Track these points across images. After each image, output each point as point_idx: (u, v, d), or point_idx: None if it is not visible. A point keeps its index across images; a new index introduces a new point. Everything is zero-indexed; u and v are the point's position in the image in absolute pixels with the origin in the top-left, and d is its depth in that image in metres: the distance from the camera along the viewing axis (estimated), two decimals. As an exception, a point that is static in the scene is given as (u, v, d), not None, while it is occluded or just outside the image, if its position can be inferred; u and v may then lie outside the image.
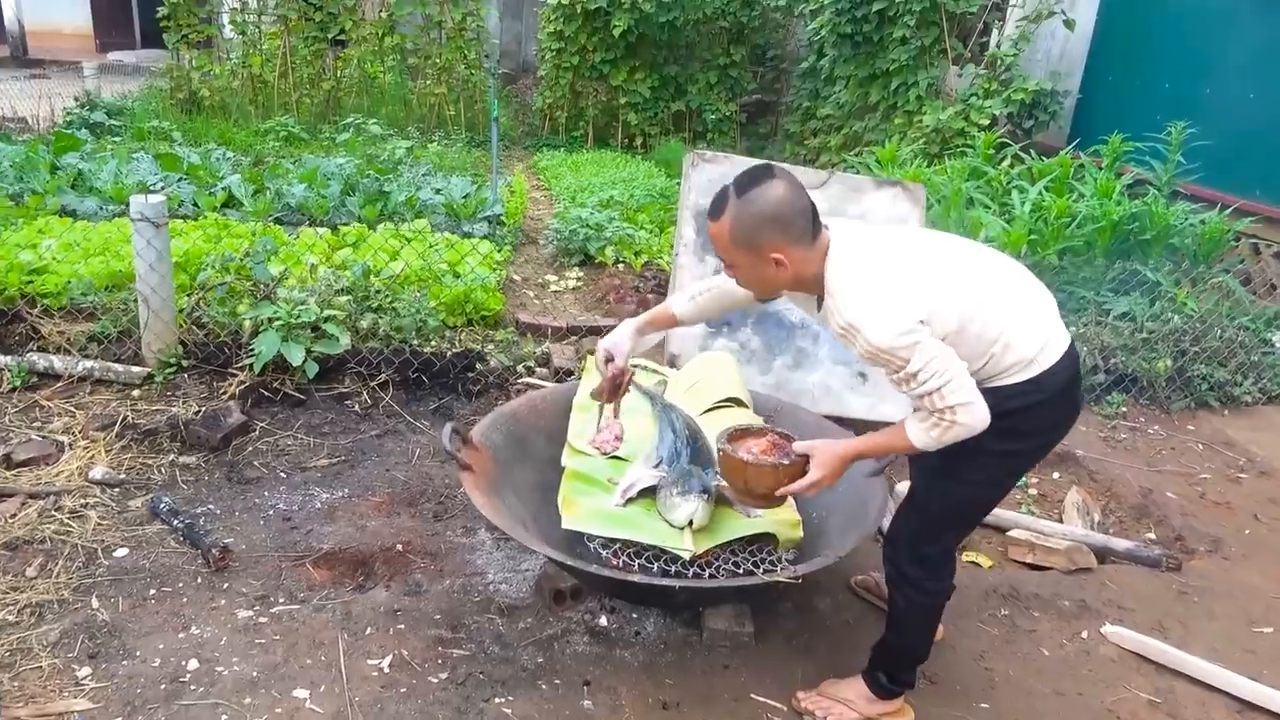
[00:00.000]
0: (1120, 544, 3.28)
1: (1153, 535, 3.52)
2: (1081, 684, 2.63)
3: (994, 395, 2.02)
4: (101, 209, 5.82)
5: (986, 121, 7.61)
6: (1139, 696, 2.59)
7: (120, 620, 2.55)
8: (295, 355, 3.80)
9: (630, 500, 2.55)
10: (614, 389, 2.59)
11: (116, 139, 8.66)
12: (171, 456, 3.43)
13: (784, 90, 11.73)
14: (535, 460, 2.98)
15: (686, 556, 2.32)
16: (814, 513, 2.83)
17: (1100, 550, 3.27)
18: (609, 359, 2.56)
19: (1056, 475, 3.90)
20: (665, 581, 2.20)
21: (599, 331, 4.68)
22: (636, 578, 2.22)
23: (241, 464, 3.43)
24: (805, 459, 2.18)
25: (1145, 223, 5.10)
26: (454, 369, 4.13)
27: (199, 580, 2.75)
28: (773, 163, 2.06)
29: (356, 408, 3.91)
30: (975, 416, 1.93)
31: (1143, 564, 3.22)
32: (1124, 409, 4.45)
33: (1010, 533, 3.34)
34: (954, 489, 2.18)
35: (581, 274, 6.05)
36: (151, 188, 6.08)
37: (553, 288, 5.77)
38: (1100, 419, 4.39)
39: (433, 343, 4.39)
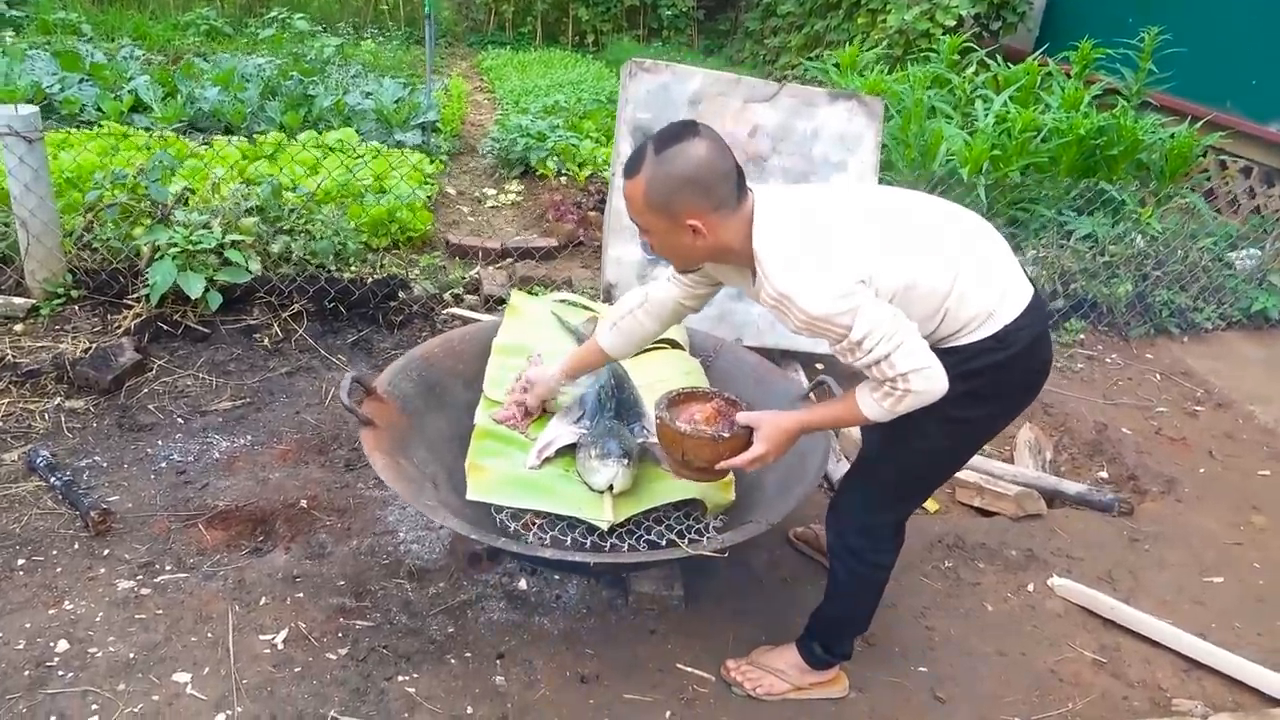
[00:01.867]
0: (1072, 487, 3.15)
1: (1105, 474, 3.40)
2: (1025, 643, 2.51)
3: (954, 356, 1.81)
4: (-9, 114, 5.30)
5: (953, 22, 7.24)
6: (1083, 655, 2.48)
7: (-19, 596, 2.30)
8: (194, 286, 3.47)
9: (547, 460, 2.32)
10: (524, 417, 2.55)
11: (18, 32, 7.96)
12: (57, 400, 3.13)
13: (744, -16, 11.14)
14: (451, 408, 2.72)
15: (604, 526, 2.11)
16: (751, 464, 2.63)
17: (1051, 493, 3.13)
18: (526, 389, 2.51)
19: (1009, 408, 3.74)
20: (578, 557, 2.00)
21: (532, 255, 4.39)
22: (548, 553, 2.01)
23: (135, 408, 3.14)
24: (749, 431, 1.97)
25: (1113, 137, 4.84)
26: (374, 297, 3.83)
27: (76, 546, 2.50)
28: (697, 121, 1.81)
29: (266, 342, 3.60)
30: (931, 383, 1.72)
31: (1094, 508, 3.09)
32: (1082, 336, 4.29)
33: (958, 474, 3.18)
34: (907, 458, 1.98)
35: (522, 187, 5.69)
36: (48, 90, 5.55)
37: (490, 203, 5.42)
38: (1057, 347, 4.22)
39: (353, 268, 4.07)
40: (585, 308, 3.12)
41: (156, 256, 3.57)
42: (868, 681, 2.32)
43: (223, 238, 3.63)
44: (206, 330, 3.59)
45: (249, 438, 3.06)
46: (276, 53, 7.49)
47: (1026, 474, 3.20)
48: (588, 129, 6.37)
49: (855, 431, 3.28)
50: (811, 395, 2.64)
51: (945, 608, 2.62)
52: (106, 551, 2.49)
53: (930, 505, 3.11)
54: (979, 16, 7.41)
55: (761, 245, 1.76)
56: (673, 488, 2.23)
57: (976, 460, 3.25)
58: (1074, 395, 3.82)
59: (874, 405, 1.78)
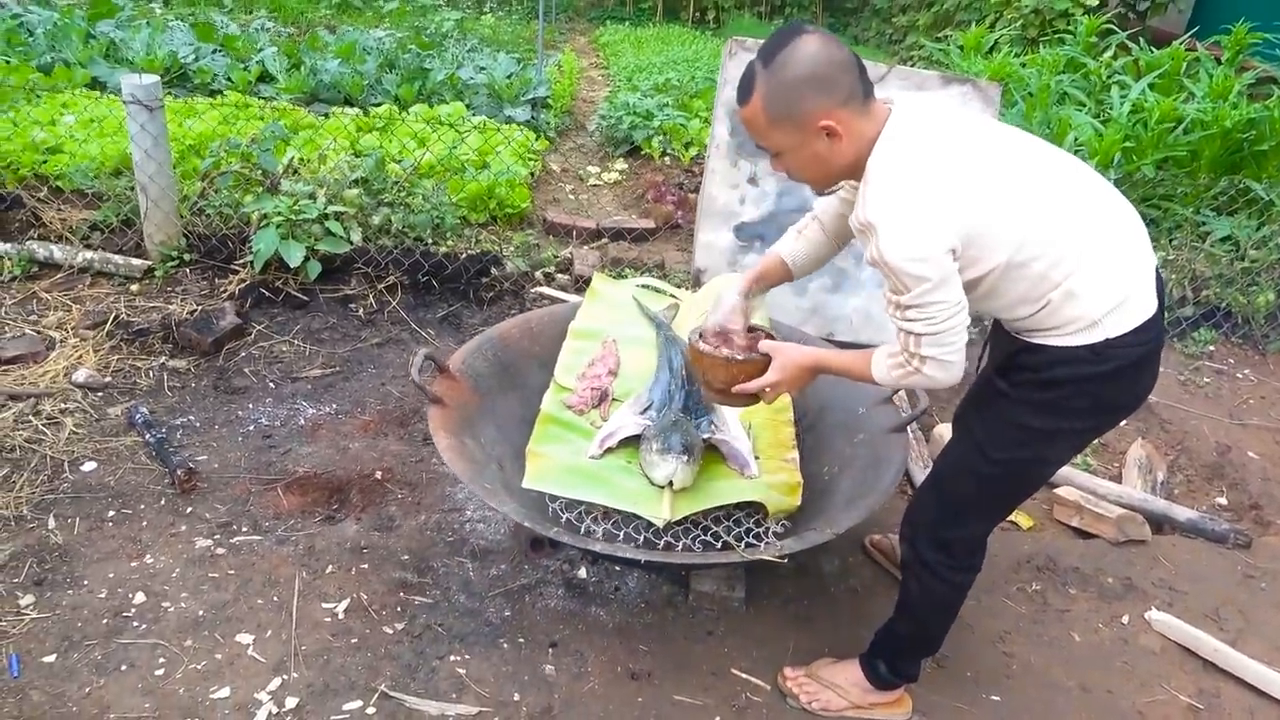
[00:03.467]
0: (1183, 513, 2.90)
1: (1224, 501, 3.12)
2: (1113, 679, 2.33)
3: (1039, 355, 1.68)
4: (131, 82, 5.60)
5: (1095, 2, 6.78)
6: (1177, 699, 2.28)
7: (74, 544, 2.43)
8: (294, 255, 3.57)
9: (609, 450, 2.27)
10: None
11: (167, 3, 8.39)
12: (162, 359, 3.28)
13: (873, -40, 10.73)
14: (525, 389, 2.72)
15: (660, 524, 2.05)
16: (826, 467, 2.52)
17: (1159, 518, 2.90)
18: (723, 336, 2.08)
19: (1123, 422, 3.48)
20: (628, 553, 1.95)
21: (623, 236, 4.34)
22: (598, 546, 1.97)
23: (231, 371, 3.26)
24: (766, 359, 1.98)
25: (1264, 130, 4.42)
26: (467, 273, 3.85)
27: (162, 502, 2.61)
28: (801, 23, 1.65)
29: (360, 312, 3.69)
30: (946, 372, 1.66)
31: (1207, 538, 2.84)
32: (1211, 348, 3.95)
33: (1058, 490, 2.98)
34: (985, 469, 1.84)
35: (625, 166, 5.64)
36: (183, 60, 5.82)
37: (592, 181, 5.40)
38: (1182, 358, 3.91)
39: (449, 242, 4.11)
40: (668, 294, 3.05)
41: (262, 225, 3.69)
42: (934, 706, 2.20)
43: (325, 208, 3.72)
44: (305, 298, 3.69)
45: (334, 406, 3.13)
46: (399, 26, 7.65)
47: (1133, 495, 2.96)
48: (697, 108, 6.26)
49: (945, 437, 3.12)
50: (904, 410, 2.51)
51: (1028, 634, 2.45)
52: (189, 509, 2.59)
53: (1023, 521, 2.92)
54: (1125, -4, 6.93)
55: (875, 163, 1.60)
56: (734, 489, 2.15)
57: (1079, 476, 3.04)
58: (1196, 412, 3.53)
59: (884, 370, 1.74)
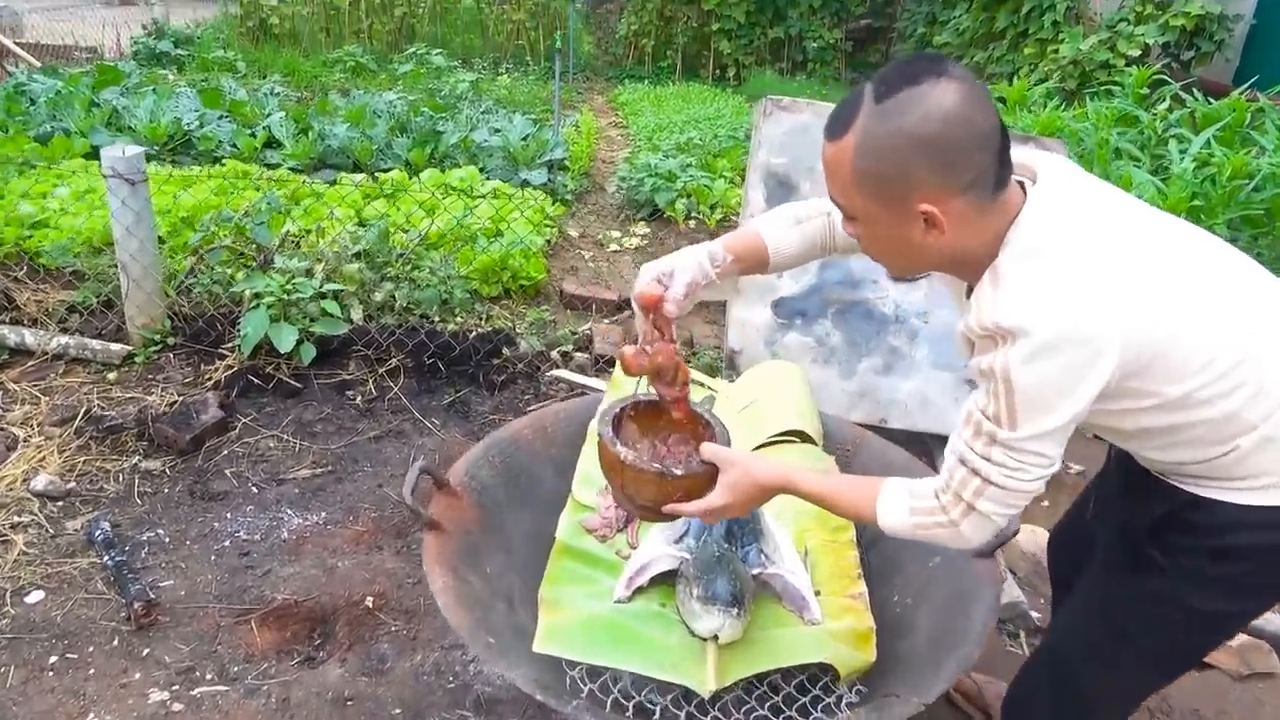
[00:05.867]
0: (1315, 639, 2.46)
1: (1356, 618, 2.68)
2: None
3: (1219, 515, 1.27)
4: (131, 151, 5.36)
5: (1137, 52, 6.48)
6: None
7: (4, 699, 2.05)
8: (284, 339, 3.24)
9: (639, 590, 1.88)
10: (660, 368, 1.64)
11: (180, 69, 8.27)
12: (135, 459, 2.93)
13: (897, 14, 10.55)
14: (539, 501, 2.32)
15: (705, 695, 1.65)
16: (896, 595, 2.11)
17: (1286, 645, 2.46)
18: (651, 303, 1.57)
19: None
20: (668, 740, 1.54)
21: (651, 312, 3.99)
22: (629, 728, 1.57)
23: (210, 473, 2.90)
24: (711, 471, 1.53)
25: (1349, 186, 4.04)
26: (476, 354, 3.50)
27: (115, 642, 2.23)
28: (944, 56, 1.19)
29: (358, 400, 3.33)
30: (980, 538, 1.28)
31: (1348, 672, 2.40)
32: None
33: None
34: (1121, 660, 1.45)
35: (648, 230, 5.32)
36: (187, 127, 5.59)
37: (612, 246, 5.08)
38: None
39: (458, 319, 3.77)
40: (701, 385, 2.68)
41: (252, 305, 3.36)
42: None
43: (321, 286, 3.39)
44: (298, 385, 3.34)
45: (323, 514, 2.76)
46: (412, 88, 7.45)
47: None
48: (721, 168, 5.96)
49: (1031, 543, 2.72)
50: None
51: (1148, 801, 2.02)
52: (146, 651, 2.21)
53: (1121, 647, 2.49)
54: (1168, 45, 6.62)
55: (1015, 263, 1.16)
56: (794, 644, 1.74)
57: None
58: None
59: (901, 513, 1.32)
